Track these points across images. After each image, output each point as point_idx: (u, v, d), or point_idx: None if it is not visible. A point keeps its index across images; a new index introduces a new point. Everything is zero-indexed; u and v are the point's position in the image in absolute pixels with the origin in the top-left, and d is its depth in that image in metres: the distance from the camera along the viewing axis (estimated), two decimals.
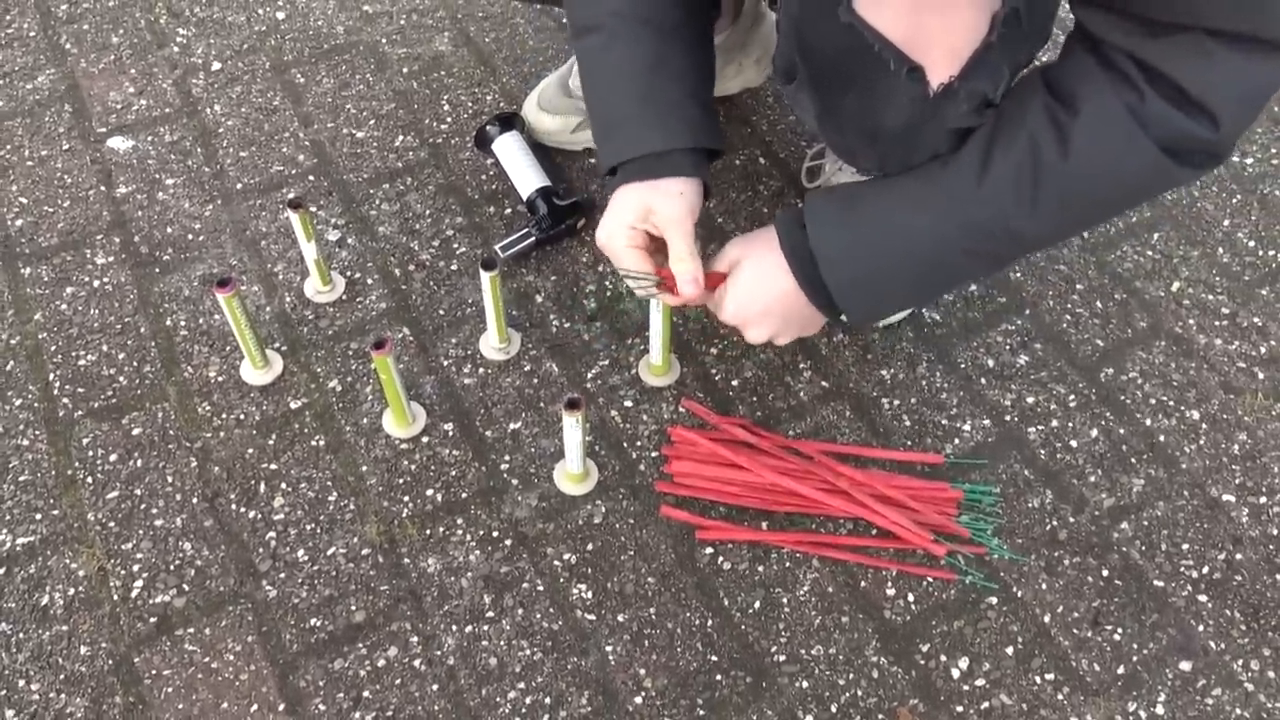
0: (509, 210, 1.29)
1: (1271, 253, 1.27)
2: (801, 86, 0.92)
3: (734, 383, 1.15)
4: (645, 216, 0.96)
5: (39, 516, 1.05)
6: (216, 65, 1.45)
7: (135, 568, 1.02)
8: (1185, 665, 0.98)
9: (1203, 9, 0.76)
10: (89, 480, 1.07)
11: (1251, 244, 1.28)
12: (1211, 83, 0.79)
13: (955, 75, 0.81)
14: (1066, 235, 1.10)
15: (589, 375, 1.16)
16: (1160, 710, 0.95)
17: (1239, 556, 1.04)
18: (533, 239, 1.22)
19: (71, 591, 1.01)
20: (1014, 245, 0.95)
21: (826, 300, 0.97)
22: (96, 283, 1.22)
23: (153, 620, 0.99)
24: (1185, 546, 1.05)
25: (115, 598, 1.00)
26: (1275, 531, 1.06)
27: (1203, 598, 1.02)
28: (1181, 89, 0.79)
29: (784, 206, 1.30)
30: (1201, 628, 1.00)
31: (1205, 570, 1.03)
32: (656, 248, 0.98)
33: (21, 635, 0.98)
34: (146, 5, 1.52)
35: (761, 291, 0.98)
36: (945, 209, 0.90)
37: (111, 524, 1.05)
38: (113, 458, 1.09)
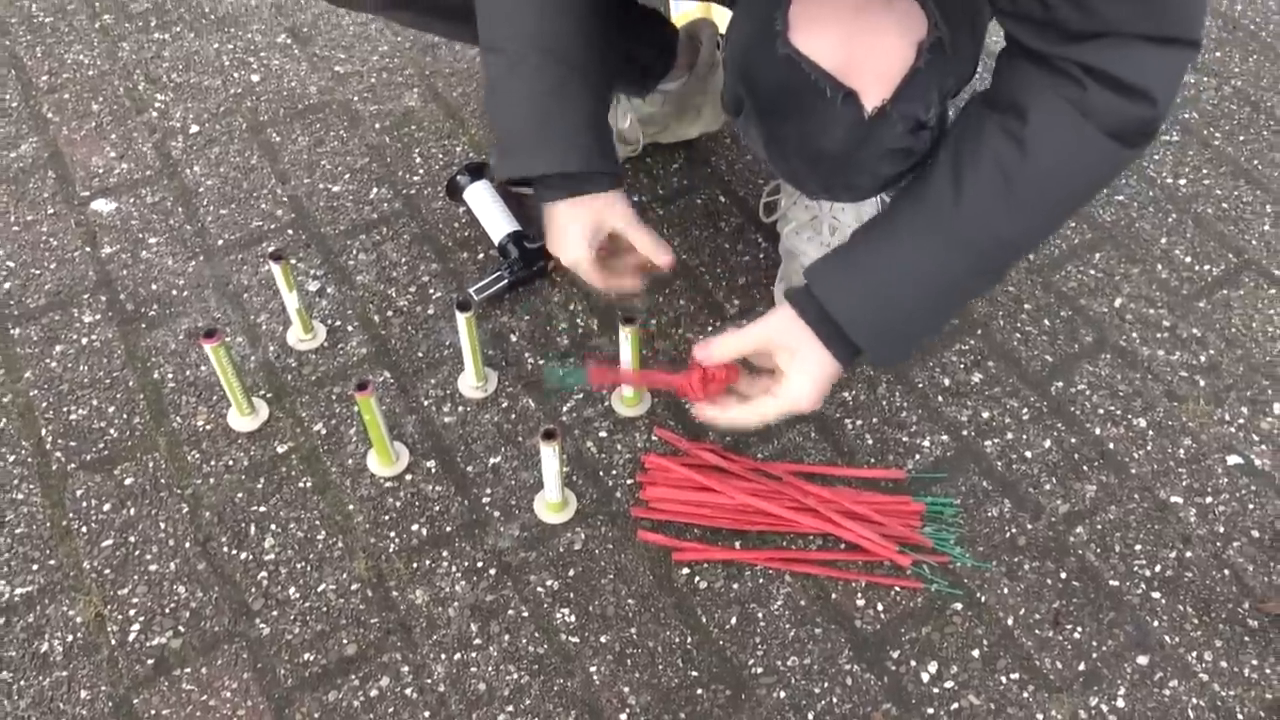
0: (481, 255, 1.35)
1: (1207, 267, 1.34)
2: (748, 117, 0.99)
3: None
4: (598, 230, 1.04)
5: (36, 567, 1.08)
6: (195, 128, 1.50)
7: (131, 612, 1.05)
8: (1142, 659, 1.03)
9: (1115, 20, 0.82)
10: (84, 530, 1.11)
11: (1188, 260, 1.35)
12: (1144, 69, 0.84)
13: (887, 99, 0.88)
14: (1053, 229, 1.08)
15: (564, 409, 1.21)
16: (1121, 703, 1.00)
17: (1189, 554, 1.10)
18: (505, 281, 1.28)
19: (70, 638, 1.04)
20: (1009, 252, 0.98)
21: (854, 356, 0.98)
22: (85, 340, 1.26)
23: (150, 662, 1.02)
24: (1138, 547, 1.10)
25: (113, 642, 1.03)
26: (1222, 529, 1.11)
27: (1156, 595, 1.07)
28: (1118, 79, 0.84)
29: (744, 241, 1.36)
30: (1156, 623, 1.05)
31: (1157, 569, 1.09)
32: (610, 251, 1.08)
33: (23, 683, 1.01)
34: (125, 73, 1.58)
35: (823, 374, 0.98)
36: (938, 239, 0.93)
37: (107, 571, 1.08)
38: (106, 507, 1.12)
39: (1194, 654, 1.03)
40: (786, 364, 0.98)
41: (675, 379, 1.02)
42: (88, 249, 1.36)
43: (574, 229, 1.04)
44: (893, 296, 0.95)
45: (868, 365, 1.01)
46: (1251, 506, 1.13)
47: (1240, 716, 0.99)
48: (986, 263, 0.97)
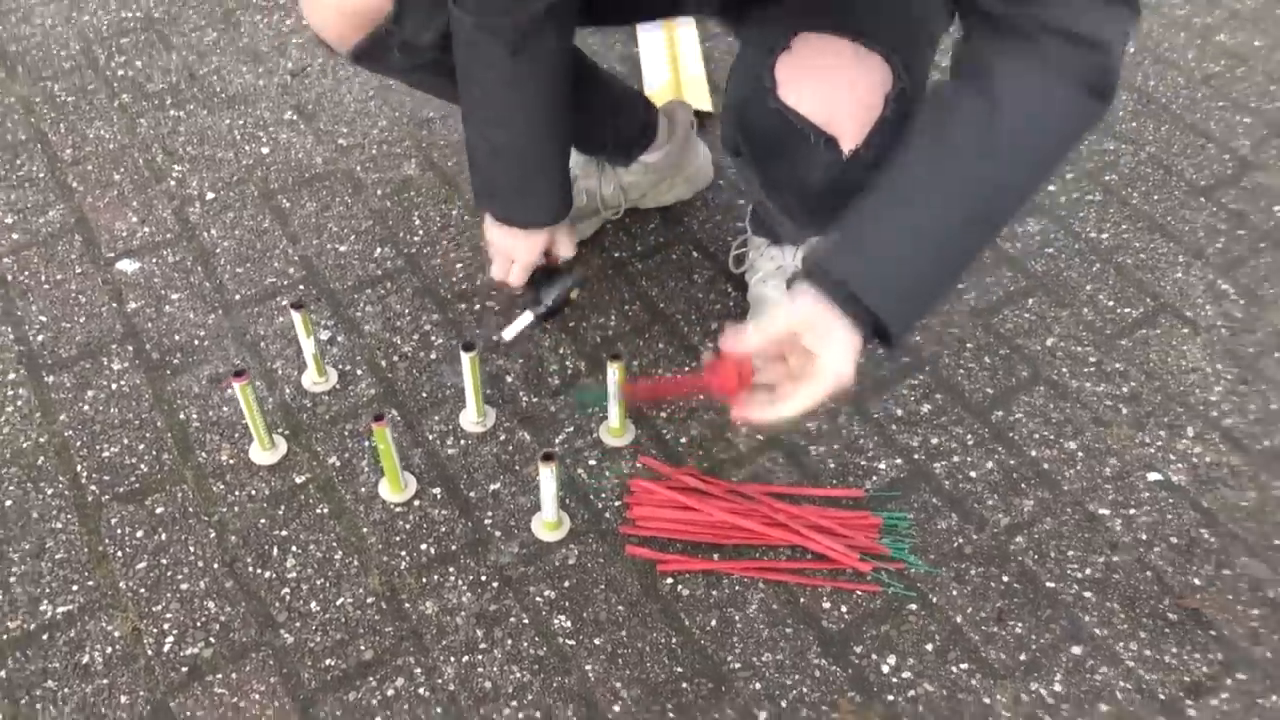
0: (478, 306, 1.48)
1: (1127, 310, 1.50)
2: (746, 161, 1.15)
3: (683, 440, 1.33)
4: (545, 247, 1.37)
5: (75, 588, 1.18)
6: (210, 195, 1.64)
7: (165, 626, 1.15)
8: (1076, 650, 1.16)
9: None
10: (119, 554, 1.21)
11: (1110, 304, 1.51)
12: (1091, 21, 0.90)
13: (862, 142, 1.05)
14: (1038, 180, 1.06)
15: (556, 440, 1.33)
16: (1058, 688, 1.13)
17: (1115, 559, 1.23)
18: (531, 318, 1.39)
19: (109, 650, 1.14)
20: (1000, 197, 0.98)
21: (872, 325, 0.98)
22: (114, 386, 1.38)
23: (184, 670, 1.12)
24: (1070, 553, 1.24)
25: (149, 653, 1.13)
26: (1144, 537, 1.25)
27: (1088, 594, 1.20)
28: (1070, 31, 0.90)
29: (715, 291, 1.51)
30: (1088, 618, 1.18)
31: (1088, 572, 1.22)
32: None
33: (66, 690, 1.10)
34: (144, 146, 1.72)
35: (853, 346, 0.98)
36: (928, 194, 0.96)
37: (142, 590, 1.18)
38: (139, 534, 1.23)
39: (1121, 644, 1.16)
40: (815, 343, 0.97)
41: (706, 379, 1.02)
42: (114, 304, 1.48)
43: (536, 247, 1.34)
44: (895, 256, 0.96)
45: (881, 342, 1.00)
46: (1170, 517, 1.27)
47: (1162, 696, 1.12)
48: (979, 208, 0.97)
